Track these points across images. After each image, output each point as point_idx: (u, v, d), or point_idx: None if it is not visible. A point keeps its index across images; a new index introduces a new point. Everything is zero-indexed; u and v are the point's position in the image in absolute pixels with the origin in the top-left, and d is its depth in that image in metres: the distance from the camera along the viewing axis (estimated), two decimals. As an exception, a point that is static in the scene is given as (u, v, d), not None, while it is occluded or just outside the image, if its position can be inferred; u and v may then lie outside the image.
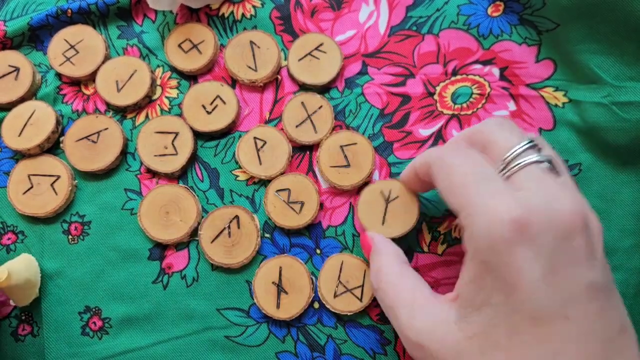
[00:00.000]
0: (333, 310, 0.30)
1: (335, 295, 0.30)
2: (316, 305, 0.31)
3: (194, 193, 0.32)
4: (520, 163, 0.23)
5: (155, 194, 0.32)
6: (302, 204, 0.31)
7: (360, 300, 0.30)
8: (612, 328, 0.21)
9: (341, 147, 0.32)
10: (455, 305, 0.23)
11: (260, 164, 0.32)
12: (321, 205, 0.32)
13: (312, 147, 0.33)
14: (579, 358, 0.20)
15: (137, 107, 0.34)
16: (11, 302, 0.32)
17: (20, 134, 0.32)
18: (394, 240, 0.29)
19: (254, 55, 0.34)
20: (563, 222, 0.21)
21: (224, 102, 0.33)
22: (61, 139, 0.33)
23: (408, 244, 0.31)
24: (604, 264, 0.22)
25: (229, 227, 0.31)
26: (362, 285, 0.30)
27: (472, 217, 0.22)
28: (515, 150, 0.23)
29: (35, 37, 0.35)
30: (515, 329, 0.21)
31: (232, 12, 0.35)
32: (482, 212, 0.21)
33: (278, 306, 0.30)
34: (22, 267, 0.31)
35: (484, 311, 0.21)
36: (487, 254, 0.21)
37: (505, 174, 0.23)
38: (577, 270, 0.21)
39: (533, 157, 0.23)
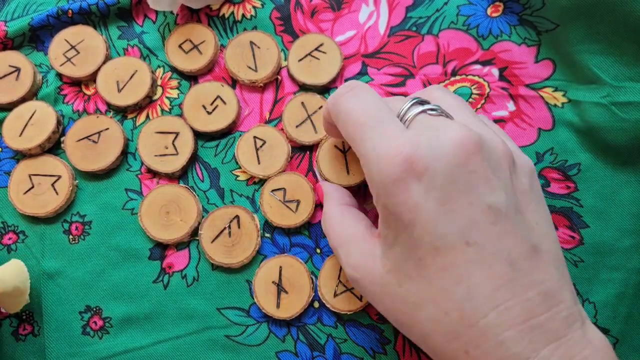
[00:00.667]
0: (333, 309, 0.30)
1: (335, 295, 0.30)
2: (316, 304, 0.31)
3: (194, 193, 0.32)
4: (409, 117, 0.24)
5: (155, 194, 0.32)
6: (298, 202, 0.31)
7: (360, 299, 0.30)
8: (520, 249, 0.21)
9: (340, 147, 0.32)
10: (378, 241, 0.24)
11: (259, 163, 0.32)
12: (322, 205, 0.32)
13: (312, 147, 0.33)
14: (484, 280, 0.20)
15: (138, 107, 0.34)
16: (2, 310, 0.32)
17: (21, 134, 0.32)
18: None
19: (254, 56, 0.34)
20: (452, 150, 0.21)
21: (225, 103, 0.33)
22: (62, 139, 0.33)
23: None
24: (508, 186, 0.22)
25: (229, 227, 0.31)
26: (362, 285, 0.30)
27: (368, 165, 0.23)
28: (403, 109, 0.24)
29: (36, 37, 0.35)
30: (421, 262, 0.21)
31: (232, 13, 0.35)
32: (375, 156, 0.22)
33: (278, 306, 0.30)
34: (10, 274, 0.30)
35: (395, 248, 0.22)
36: (384, 197, 0.22)
37: None
38: (475, 194, 0.21)
39: (420, 108, 0.24)
